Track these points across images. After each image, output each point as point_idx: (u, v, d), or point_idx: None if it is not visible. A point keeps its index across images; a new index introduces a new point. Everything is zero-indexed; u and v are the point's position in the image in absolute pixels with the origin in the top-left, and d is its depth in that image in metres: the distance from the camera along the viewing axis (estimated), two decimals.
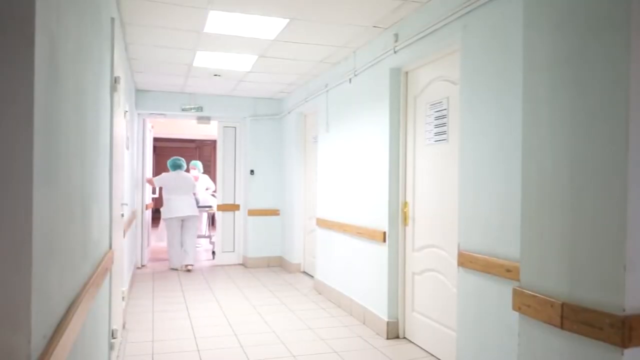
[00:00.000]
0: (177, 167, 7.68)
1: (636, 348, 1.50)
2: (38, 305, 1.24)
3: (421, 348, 4.03)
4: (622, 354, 1.49)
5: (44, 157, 1.31)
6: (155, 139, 9.95)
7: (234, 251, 8.06)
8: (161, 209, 7.60)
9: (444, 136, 3.76)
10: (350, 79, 5.18)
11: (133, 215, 6.33)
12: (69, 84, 1.73)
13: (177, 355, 3.91)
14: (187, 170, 8.43)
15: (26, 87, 1.16)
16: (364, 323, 4.75)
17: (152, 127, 8.82)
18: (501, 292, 2.86)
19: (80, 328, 1.83)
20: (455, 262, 3.39)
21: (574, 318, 1.64)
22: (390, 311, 4.34)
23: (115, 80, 3.39)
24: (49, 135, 1.37)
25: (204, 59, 5.47)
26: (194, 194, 7.85)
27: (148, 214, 8.14)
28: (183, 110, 7.51)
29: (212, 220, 9.81)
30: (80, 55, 2.00)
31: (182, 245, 7.55)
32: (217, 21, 4.17)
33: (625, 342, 1.48)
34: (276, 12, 3.96)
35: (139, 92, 7.28)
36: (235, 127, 8.08)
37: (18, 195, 1.15)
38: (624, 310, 1.49)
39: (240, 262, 8.09)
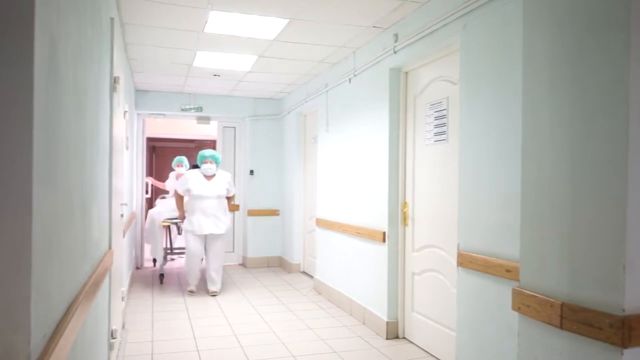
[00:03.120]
0: (203, 163, 5.97)
1: (636, 348, 1.50)
2: (38, 305, 1.24)
3: (421, 348, 4.03)
4: (622, 354, 1.49)
5: (44, 157, 1.31)
6: (155, 139, 9.90)
7: (233, 251, 8.07)
8: (185, 222, 5.96)
9: (443, 136, 3.76)
10: (350, 79, 5.18)
11: (132, 215, 6.32)
12: (69, 84, 1.73)
13: (176, 355, 3.91)
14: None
15: (26, 87, 1.16)
16: (363, 323, 4.75)
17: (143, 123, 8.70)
18: (501, 292, 2.86)
19: (80, 328, 1.83)
20: (455, 262, 3.40)
21: (574, 318, 1.64)
22: (390, 311, 4.34)
23: (114, 81, 3.38)
24: (48, 135, 1.37)
25: (203, 59, 5.47)
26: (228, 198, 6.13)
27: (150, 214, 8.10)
28: (183, 110, 7.50)
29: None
30: (80, 55, 2.00)
31: (205, 267, 6.10)
32: (217, 21, 4.17)
33: (625, 342, 1.48)
34: (276, 12, 3.96)
35: (138, 92, 7.28)
36: (234, 127, 8.09)
37: (17, 195, 1.15)
38: (623, 310, 1.49)
39: (240, 262, 8.09)
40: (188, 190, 5.87)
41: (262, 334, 4.44)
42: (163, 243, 7.03)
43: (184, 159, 8.17)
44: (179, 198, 6.09)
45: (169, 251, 7.41)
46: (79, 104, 1.97)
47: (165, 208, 7.18)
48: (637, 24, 1.51)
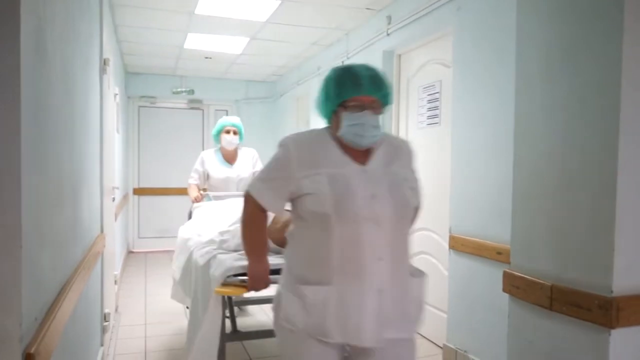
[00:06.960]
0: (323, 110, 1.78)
1: (623, 328, 1.52)
2: (29, 288, 1.24)
3: None
4: (610, 334, 1.52)
5: (32, 141, 1.30)
6: None
7: None
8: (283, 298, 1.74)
9: (436, 119, 3.75)
10: (343, 62, 5.14)
11: (124, 199, 6.30)
12: (57, 67, 1.70)
13: (169, 338, 3.93)
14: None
15: (13, 70, 1.14)
16: None
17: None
18: (492, 275, 2.88)
19: (71, 311, 1.83)
20: (447, 245, 3.42)
21: (563, 300, 1.66)
22: None
23: (104, 62, 3.34)
24: (37, 119, 1.35)
25: (195, 41, 5.40)
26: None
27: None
28: (174, 93, 7.44)
29: None
30: (68, 37, 1.97)
31: None
32: (209, 2, 4.11)
33: (613, 322, 1.50)
34: None
35: (129, 74, 7.19)
36: (227, 110, 8.01)
37: (6, 181, 1.14)
38: (611, 291, 1.51)
39: None
40: (305, 193, 1.67)
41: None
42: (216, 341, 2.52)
43: (240, 124, 4.40)
44: (257, 215, 1.84)
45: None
46: (68, 86, 1.95)
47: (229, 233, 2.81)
48: (631, 8, 1.50)
